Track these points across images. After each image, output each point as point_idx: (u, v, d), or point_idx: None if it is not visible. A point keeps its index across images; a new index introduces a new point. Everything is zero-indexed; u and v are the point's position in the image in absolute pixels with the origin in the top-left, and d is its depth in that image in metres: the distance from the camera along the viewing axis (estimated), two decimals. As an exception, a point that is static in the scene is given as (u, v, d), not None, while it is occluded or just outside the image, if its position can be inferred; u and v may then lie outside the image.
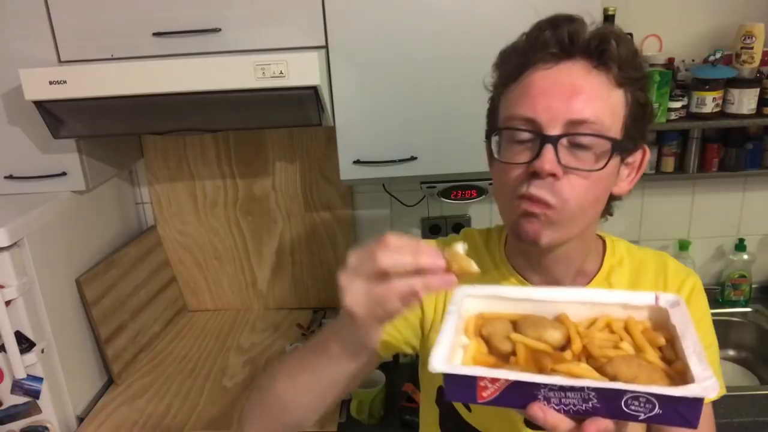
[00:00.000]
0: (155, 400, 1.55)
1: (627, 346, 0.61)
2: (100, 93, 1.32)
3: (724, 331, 1.88)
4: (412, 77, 1.41)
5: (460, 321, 0.65)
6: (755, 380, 1.77)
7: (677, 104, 1.67)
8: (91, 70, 1.34)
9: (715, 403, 0.87)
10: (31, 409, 1.40)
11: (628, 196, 0.84)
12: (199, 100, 1.34)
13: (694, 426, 0.53)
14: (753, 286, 1.92)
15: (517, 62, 0.77)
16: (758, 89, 1.65)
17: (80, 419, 1.51)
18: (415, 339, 0.93)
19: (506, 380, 0.55)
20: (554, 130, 0.72)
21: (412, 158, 1.47)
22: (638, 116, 0.77)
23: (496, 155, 0.78)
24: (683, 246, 1.89)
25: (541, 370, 0.59)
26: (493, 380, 0.56)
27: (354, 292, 0.60)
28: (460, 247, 0.60)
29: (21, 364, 1.32)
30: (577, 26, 0.75)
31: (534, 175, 0.73)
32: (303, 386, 0.78)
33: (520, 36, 0.79)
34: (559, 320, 0.65)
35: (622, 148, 0.76)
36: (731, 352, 1.87)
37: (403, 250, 0.59)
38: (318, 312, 1.95)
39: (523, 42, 0.78)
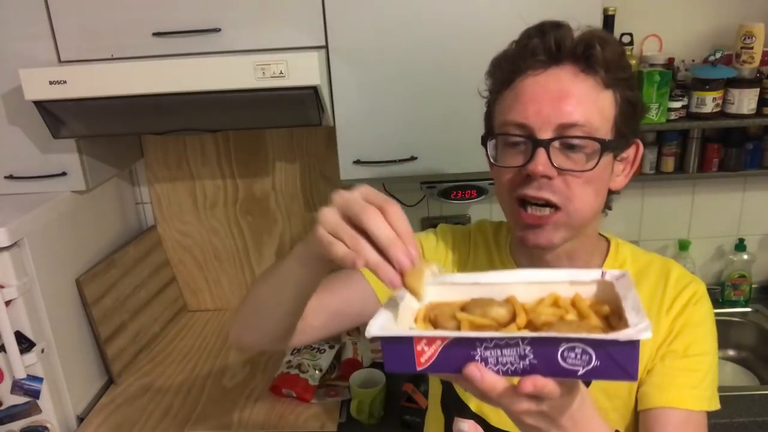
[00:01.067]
0: (155, 400, 1.55)
1: (572, 317, 0.62)
2: (100, 93, 1.32)
3: (724, 331, 1.88)
4: (413, 77, 1.41)
5: (410, 310, 0.65)
6: (755, 380, 1.77)
7: (677, 104, 1.67)
8: (91, 70, 1.34)
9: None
10: (31, 409, 1.40)
11: (625, 188, 0.86)
12: (199, 100, 1.34)
13: (634, 376, 0.52)
14: (753, 286, 1.92)
15: (508, 69, 0.81)
16: (758, 89, 1.65)
17: (80, 419, 1.51)
18: None
19: (442, 339, 0.55)
20: (545, 134, 0.76)
21: (412, 158, 1.47)
22: (628, 114, 0.80)
23: (492, 159, 0.82)
24: (683, 246, 1.89)
25: None
26: (430, 341, 0.55)
27: (329, 222, 0.65)
28: (434, 269, 0.62)
29: (21, 364, 1.32)
30: (564, 32, 0.78)
31: (529, 177, 0.77)
32: (271, 288, 0.81)
33: (510, 44, 0.83)
34: (507, 301, 0.66)
35: (612, 147, 0.79)
36: (731, 352, 1.87)
37: (398, 225, 0.60)
38: (318, 312, 1.95)
39: (512, 50, 0.82)
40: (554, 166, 0.76)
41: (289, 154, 1.86)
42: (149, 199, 1.93)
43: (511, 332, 0.56)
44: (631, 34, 1.64)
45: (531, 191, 0.77)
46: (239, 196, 1.90)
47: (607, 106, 0.78)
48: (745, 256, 1.89)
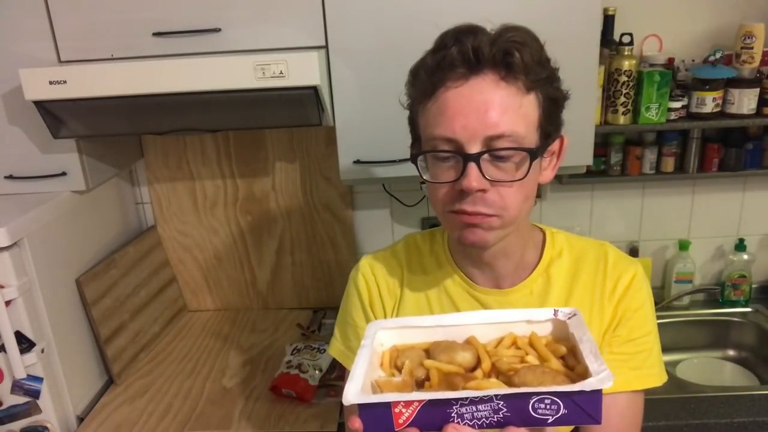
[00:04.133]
0: (155, 400, 1.55)
1: (532, 359, 0.66)
2: (100, 93, 1.32)
3: (724, 331, 1.89)
4: (412, 77, 1.41)
5: (375, 355, 0.68)
6: (755, 380, 1.77)
7: (677, 104, 1.67)
8: (91, 70, 1.34)
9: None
10: (31, 409, 1.40)
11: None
12: (199, 100, 1.34)
13: (598, 420, 0.57)
14: (753, 286, 1.92)
15: (428, 81, 0.81)
16: (758, 89, 1.65)
17: (80, 419, 1.51)
18: None
19: (419, 401, 0.57)
20: (474, 148, 0.77)
21: (412, 158, 1.46)
22: (552, 111, 0.81)
23: (423, 176, 0.83)
24: (683, 246, 1.89)
25: (453, 391, 0.61)
26: (407, 404, 0.57)
27: None
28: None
29: (21, 364, 1.32)
30: (480, 39, 0.78)
31: (463, 192, 0.78)
32: None
33: (426, 53, 0.83)
34: (469, 342, 0.69)
35: (540, 153, 0.81)
36: (731, 352, 1.87)
37: None
38: (318, 312, 1.95)
39: (430, 60, 0.82)
40: (486, 179, 0.77)
41: (289, 154, 1.86)
42: (149, 199, 1.93)
43: (484, 390, 0.59)
44: (631, 34, 1.64)
45: (467, 206, 0.79)
46: (239, 196, 1.90)
47: (530, 110, 0.79)
48: (745, 256, 1.89)
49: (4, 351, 1.31)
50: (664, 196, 1.90)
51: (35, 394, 1.39)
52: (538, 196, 0.90)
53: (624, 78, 1.63)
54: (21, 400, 1.38)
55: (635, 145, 1.79)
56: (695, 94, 1.67)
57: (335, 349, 1.04)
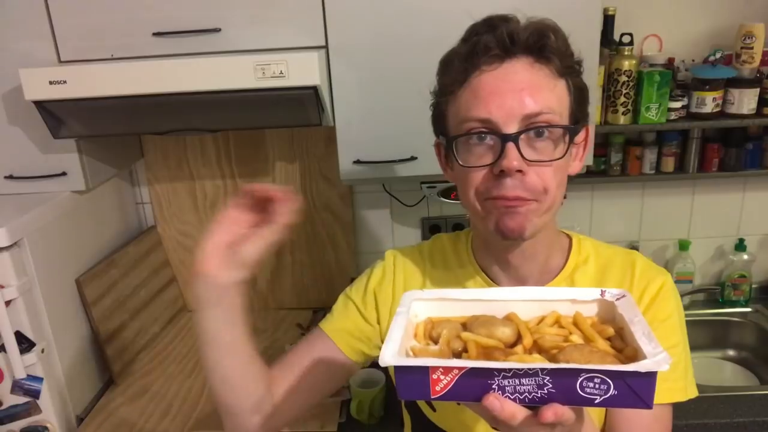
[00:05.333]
0: (155, 400, 1.55)
1: (577, 339, 0.62)
2: (100, 93, 1.32)
3: (724, 331, 1.89)
4: (413, 77, 1.40)
5: (409, 325, 0.65)
6: (755, 380, 1.77)
7: (677, 104, 1.67)
8: (91, 70, 1.34)
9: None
10: (31, 409, 1.40)
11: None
12: (199, 100, 1.34)
13: (650, 405, 0.53)
14: (753, 286, 1.92)
15: (461, 68, 0.79)
16: (758, 89, 1.65)
17: (80, 419, 1.51)
18: (378, 339, 0.96)
19: (459, 368, 0.55)
20: (512, 128, 0.75)
21: (412, 158, 1.46)
22: (580, 100, 0.81)
23: (459, 162, 0.80)
24: (683, 246, 1.89)
25: None
26: (446, 370, 0.55)
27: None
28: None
29: (21, 364, 1.32)
30: (513, 25, 0.77)
31: (502, 174, 0.75)
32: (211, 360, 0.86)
33: (459, 42, 0.82)
34: (509, 319, 0.66)
35: (575, 132, 0.80)
36: (731, 352, 1.87)
37: None
38: (318, 312, 1.95)
39: (463, 47, 0.80)
40: (525, 160, 0.75)
41: (289, 154, 1.86)
42: (149, 199, 1.93)
43: (530, 362, 0.56)
44: (631, 34, 1.64)
45: (506, 191, 0.76)
46: (239, 196, 1.90)
47: (563, 93, 0.79)
48: (745, 256, 1.89)
49: (4, 351, 1.31)
50: (664, 196, 1.90)
51: (35, 394, 1.39)
52: (564, 196, 0.88)
53: (624, 78, 1.63)
54: (21, 400, 1.38)
55: (635, 145, 1.79)
56: (695, 94, 1.67)
57: (324, 321, 0.99)
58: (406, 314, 0.65)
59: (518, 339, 0.63)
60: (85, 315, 1.58)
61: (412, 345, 0.64)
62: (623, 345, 0.60)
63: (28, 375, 1.36)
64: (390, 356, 0.57)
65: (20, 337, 1.34)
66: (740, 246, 1.89)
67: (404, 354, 0.60)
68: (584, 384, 0.53)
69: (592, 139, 0.87)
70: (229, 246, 0.80)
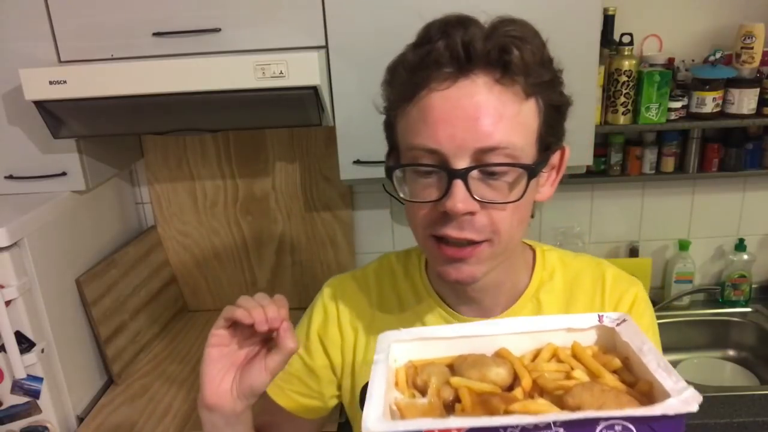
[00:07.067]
0: (155, 400, 1.55)
1: (581, 374, 0.55)
2: (100, 93, 1.32)
3: (724, 331, 1.89)
4: (412, 77, 1.41)
5: (389, 372, 0.57)
6: (755, 380, 1.77)
7: (677, 104, 1.67)
8: (91, 70, 1.34)
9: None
10: (31, 409, 1.40)
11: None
12: (199, 100, 1.33)
13: None
14: (753, 286, 1.92)
15: (409, 82, 0.68)
16: (758, 89, 1.65)
17: (80, 419, 1.50)
18: (333, 388, 0.91)
19: (459, 430, 0.47)
20: (461, 162, 0.65)
21: (412, 158, 1.46)
22: (554, 120, 0.70)
23: (401, 193, 0.71)
24: (683, 246, 1.89)
25: (492, 415, 0.50)
26: None
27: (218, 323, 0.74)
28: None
29: (21, 364, 1.32)
30: (472, 33, 0.65)
31: (447, 214, 0.66)
32: None
33: (408, 47, 0.70)
34: (500, 356, 0.59)
35: (537, 171, 0.69)
36: (731, 352, 1.87)
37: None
38: (318, 312, 1.95)
39: (412, 55, 0.68)
40: (475, 199, 0.65)
41: (289, 154, 1.86)
42: (149, 199, 1.93)
43: (538, 412, 0.48)
44: (631, 34, 1.64)
45: (451, 231, 0.67)
46: (239, 196, 1.90)
47: (529, 118, 0.67)
48: (745, 256, 1.89)
49: (4, 351, 1.31)
50: (664, 196, 1.90)
51: (35, 394, 1.39)
52: (531, 216, 0.80)
53: (624, 78, 1.63)
54: (21, 400, 1.38)
55: (635, 145, 1.79)
56: (695, 94, 1.67)
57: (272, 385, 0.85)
58: (386, 362, 0.56)
59: (515, 380, 0.56)
60: (85, 315, 1.57)
61: (396, 398, 0.56)
62: (633, 378, 0.54)
63: (28, 375, 1.36)
64: (374, 422, 0.48)
65: (20, 337, 1.34)
66: (740, 246, 1.89)
67: (389, 412, 0.52)
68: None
69: (567, 160, 0.77)
70: (230, 372, 0.72)
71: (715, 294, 1.94)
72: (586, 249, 1.94)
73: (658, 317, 0.88)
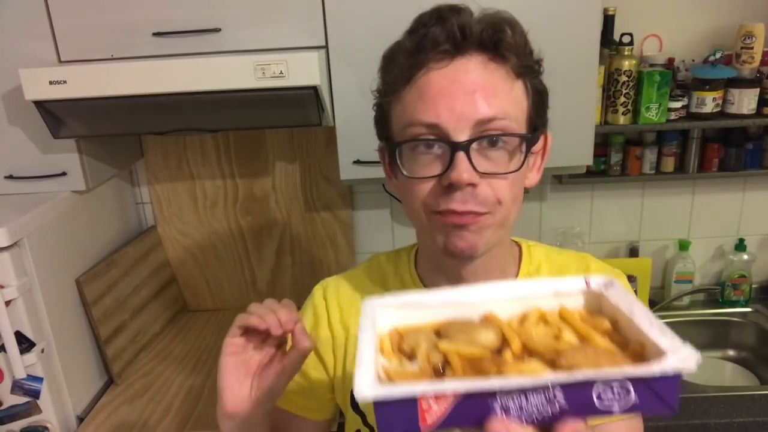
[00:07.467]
0: (155, 400, 1.55)
1: (570, 336, 0.54)
2: (100, 93, 1.32)
3: (724, 331, 1.89)
4: (412, 77, 1.41)
5: (375, 337, 0.55)
6: (755, 380, 1.77)
7: (677, 104, 1.67)
8: (91, 70, 1.34)
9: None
10: (31, 409, 1.40)
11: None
12: (199, 100, 1.34)
13: (676, 409, 0.47)
14: (753, 286, 1.92)
15: (406, 64, 0.71)
16: (758, 89, 1.65)
17: (80, 419, 1.50)
18: (328, 388, 0.91)
19: (454, 394, 0.46)
20: (462, 135, 0.68)
21: (412, 158, 1.46)
22: (539, 104, 0.74)
23: (403, 171, 0.72)
24: (683, 246, 1.89)
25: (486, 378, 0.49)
26: (438, 397, 0.46)
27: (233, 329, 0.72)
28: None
29: (21, 364, 1.32)
30: (465, 17, 0.69)
31: (451, 187, 0.68)
32: None
33: (404, 34, 0.74)
34: (487, 320, 0.57)
35: (533, 142, 0.73)
36: (731, 352, 1.87)
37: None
38: (318, 312, 1.95)
39: (408, 41, 0.72)
40: (477, 171, 0.68)
41: (289, 154, 1.86)
42: (149, 199, 1.93)
43: (531, 375, 0.48)
44: (631, 34, 1.64)
45: (456, 205, 0.68)
46: (239, 196, 1.90)
47: (520, 96, 0.71)
48: (745, 256, 1.89)
49: (4, 351, 1.31)
50: (664, 196, 1.90)
51: (35, 394, 1.39)
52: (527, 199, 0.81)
53: (624, 78, 1.63)
54: (21, 400, 1.38)
55: (635, 145, 1.79)
56: (695, 94, 1.67)
57: None
58: (372, 328, 0.55)
59: (503, 343, 0.55)
60: (85, 315, 1.58)
61: (383, 365, 0.54)
62: (624, 339, 0.53)
63: (28, 375, 1.36)
64: (368, 387, 0.46)
65: (20, 337, 1.34)
66: (740, 246, 1.89)
67: (378, 378, 0.50)
68: (602, 393, 0.46)
69: (550, 146, 0.80)
70: (248, 379, 0.73)
71: (715, 294, 1.94)
72: (586, 249, 1.94)
73: (659, 317, 0.87)
